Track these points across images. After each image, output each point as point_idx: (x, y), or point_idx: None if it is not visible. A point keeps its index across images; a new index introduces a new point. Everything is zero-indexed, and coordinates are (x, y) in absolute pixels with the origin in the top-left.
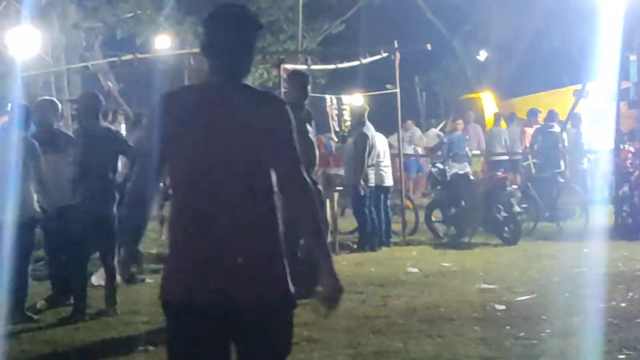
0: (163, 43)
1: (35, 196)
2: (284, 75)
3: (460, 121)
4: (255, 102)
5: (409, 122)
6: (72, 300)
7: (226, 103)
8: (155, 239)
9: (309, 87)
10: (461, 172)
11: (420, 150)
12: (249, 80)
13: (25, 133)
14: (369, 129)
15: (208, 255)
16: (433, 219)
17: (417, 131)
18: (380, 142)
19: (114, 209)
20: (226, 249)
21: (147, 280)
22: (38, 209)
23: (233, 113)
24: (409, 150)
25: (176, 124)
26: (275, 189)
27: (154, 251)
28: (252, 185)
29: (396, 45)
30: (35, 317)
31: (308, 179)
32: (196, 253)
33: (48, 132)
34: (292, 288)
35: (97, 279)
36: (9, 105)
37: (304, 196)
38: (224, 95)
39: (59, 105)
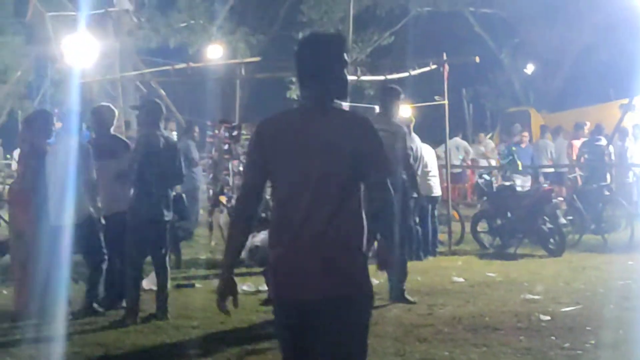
0: (215, 52)
1: (86, 200)
2: None
3: (525, 133)
4: (346, 125)
5: (482, 134)
6: (124, 304)
7: (320, 127)
8: (205, 244)
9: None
10: (522, 185)
11: (493, 162)
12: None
13: (80, 138)
14: (414, 140)
15: (307, 257)
16: (479, 229)
17: (490, 143)
18: (427, 153)
19: (168, 215)
20: (323, 251)
21: (197, 285)
22: (94, 211)
23: (327, 135)
24: (482, 162)
25: (277, 147)
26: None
27: (203, 257)
28: (345, 196)
29: (445, 57)
30: (101, 309)
31: (390, 188)
32: (300, 257)
33: (105, 137)
34: (372, 286)
35: (149, 283)
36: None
37: (387, 201)
38: (318, 120)
39: (116, 112)
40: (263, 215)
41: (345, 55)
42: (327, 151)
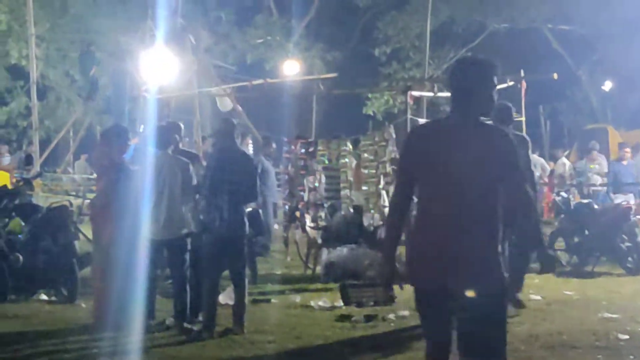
0: (291, 69)
1: (189, 214)
2: (411, 101)
3: (628, 149)
4: (489, 136)
5: (595, 152)
6: (200, 318)
7: (468, 137)
8: (281, 260)
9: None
10: (624, 203)
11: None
12: (375, 106)
13: (169, 152)
14: None
15: (454, 250)
16: (556, 247)
17: (604, 161)
18: None
19: (246, 230)
20: (466, 248)
21: (273, 300)
22: (190, 225)
23: (474, 144)
24: (594, 179)
25: (428, 152)
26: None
27: (279, 272)
28: (486, 199)
29: (522, 74)
30: (195, 328)
31: (529, 191)
32: (443, 249)
33: (175, 152)
34: (505, 280)
35: (225, 297)
36: (141, 127)
37: (526, 204)
38: (466, 131)
39: (182, 127)
40: (346, 232)
41: (495, 78)
42: (473, 158)
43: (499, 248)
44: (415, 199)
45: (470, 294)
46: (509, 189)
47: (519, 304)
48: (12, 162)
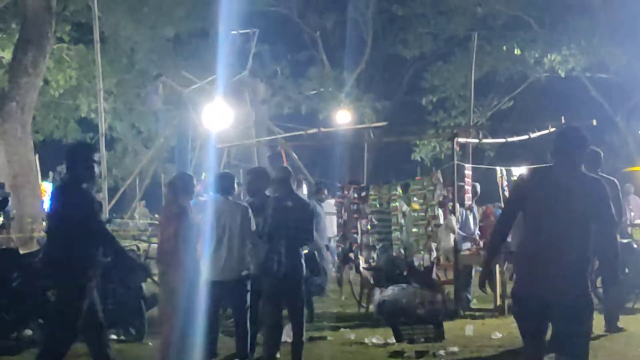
0: (343, 118)
1: (248, 257)
2: (457, 147)
3: None
4: (587, 183)
5: (631, 194)
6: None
7: (570, 183)
8: (335, 299)
9: None
10: None
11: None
12: (423, 152)
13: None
14: None
15: (553, 271)
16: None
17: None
18: None
19: (303, 271)
20: (563, 269)
21: (329, 337)
22: (249, 268)
23: (575, 189)
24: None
25: (536, 193)
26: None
27: (334, 311)
28: (581, 234)
29: (563, 120)
30: None
31: (615, 233)
32: (545, 270)
33: (259, 196)
34: (590, 296)
35: (284, 335)
36: (204, 174)
37: (612, 243)
38: (569, 178)
39: (234, 178)
40: (397, 272)
41: (588, 141)
42: (574, 201)
43: (588, 273)
44: (523, 230)
45: (566, 305)
46: (598, 227)
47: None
48: None
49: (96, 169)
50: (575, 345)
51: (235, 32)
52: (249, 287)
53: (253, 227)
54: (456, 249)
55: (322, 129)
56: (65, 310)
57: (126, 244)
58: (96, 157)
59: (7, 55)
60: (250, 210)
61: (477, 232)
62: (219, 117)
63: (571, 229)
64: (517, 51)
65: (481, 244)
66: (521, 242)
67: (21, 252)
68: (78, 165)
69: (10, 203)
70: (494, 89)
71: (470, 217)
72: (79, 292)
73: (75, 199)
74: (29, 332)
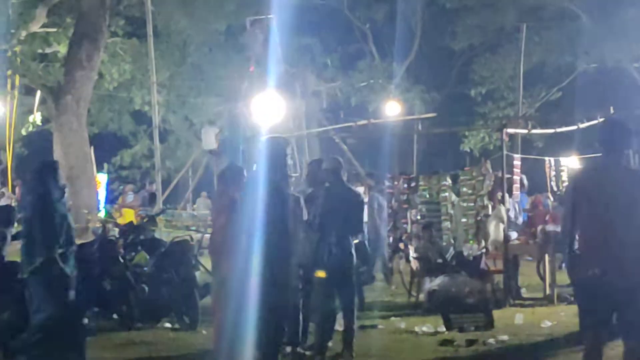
0: (393, 109)
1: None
2: (506, 138)
3: None
4: (631, 177)
5: None
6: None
7: (616, 174)
8: (385, 288)
9: None
10: None
11: None
12: (472, 143)
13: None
14: None
15: (615, 258)
16: None
17: None
18: None
19: (353, 261)
20: (625, 255)
21: (380, 326)
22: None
23: (619, 180)
24: None
25: (588, 186)
26: None
27: (385, 300)
28: (628, 224)
29: (612, 110)
30: (307, 353)
31: None
32: (607, 257)
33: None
34: None
35: (335, 323)
36: (254, 166)
37: None
38: (613, 169)
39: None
40: (439, 260)
41: (631, 132)
42: (621, 191)
43: None
44: (581, 222)
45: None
46: None
47: None
48: (136, 200)
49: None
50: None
51: (250, 18)
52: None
53: (304, 217)
54: (505, 239)
55: (372, 121)
56: None
57: (179, 234)
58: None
59: (63, 49)
60: (302, 201)
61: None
62: (269, 108)
63: (623, 218)
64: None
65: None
66: (581, 233)
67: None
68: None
69: (66, 194)
70: (542, 80)
71: (517, 207)
72: None
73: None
74: (85, 320)
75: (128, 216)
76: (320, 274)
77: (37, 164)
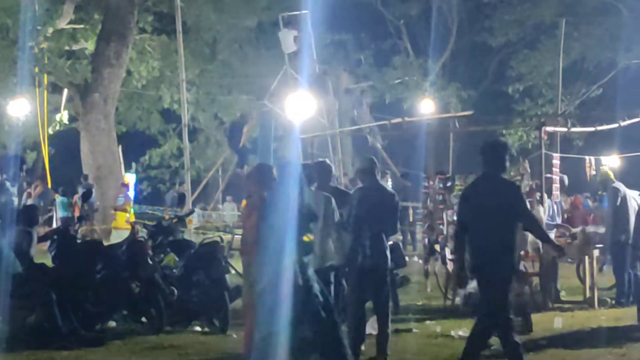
0: (428, 107)
1: (332, 247)
2: (545, 137)
3: None
4: (504, 188)
5: None
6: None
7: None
8: (420, 291)
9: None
10: None
11: None
12: (509, 142)
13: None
14: (620, 185)
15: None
16: None
17: None
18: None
19: (388, 263)
20: (489, 260)
21: (414, 330)
22: (333, 258)
23: (497, 196)
24: None
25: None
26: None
27: (420, 303)
28: (505, 232)
29: None
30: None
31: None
32: (478, 262)
33: (325, 190)
34: None
35: (369, 327)
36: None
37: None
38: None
39: (332, 166)
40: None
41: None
42: (498, 206)
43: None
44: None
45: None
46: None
47: None
48: (126, 203)
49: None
50: None
51: (283, 14)
52: (332, 278)
53: (337, 217)
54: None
55: (407, 119)
56: None
57: (209, 235)
58: None
59: (90, 46)
60: (333, 200)
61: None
62: (301, 107)
63: (501, 231)
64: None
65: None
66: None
67: (104, 243)
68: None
69: (94, 194)
70: (582, 77)
71: (555, 208)
72: None
73: None
74: (113, 323)
75: (120, 219)
76: (306, 238)
77: None
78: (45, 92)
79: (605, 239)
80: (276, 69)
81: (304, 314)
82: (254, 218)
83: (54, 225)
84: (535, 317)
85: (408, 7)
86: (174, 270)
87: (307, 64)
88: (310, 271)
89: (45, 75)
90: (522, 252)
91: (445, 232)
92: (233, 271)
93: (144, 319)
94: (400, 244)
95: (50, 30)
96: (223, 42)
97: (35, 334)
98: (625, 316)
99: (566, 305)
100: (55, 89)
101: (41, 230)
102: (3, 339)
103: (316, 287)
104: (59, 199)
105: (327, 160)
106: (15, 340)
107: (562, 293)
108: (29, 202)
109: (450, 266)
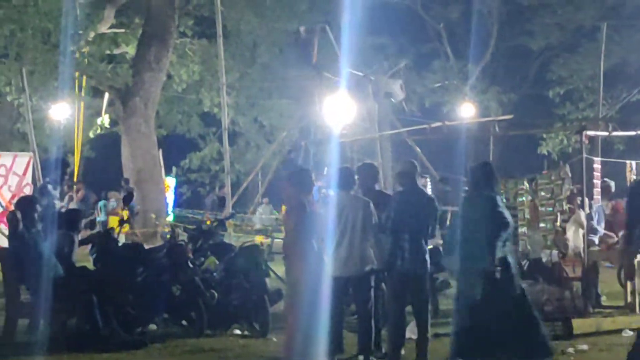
0: (468, 111)
1: (371, 251)
2: (586, 141)
3: None
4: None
5: None
6: (384, 351)
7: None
8: None
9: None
10: None
11: None
12: (550, 146)
13: (354, 193)
14: None
15: None
16: None
17: None
18: None
19: (428, 267)
20: None
21: None
22: (373, 263)
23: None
24: None
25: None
26: None
27: None
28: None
29: None
30: None
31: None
32: None
33: (369, 193)
34: None
35: (408, 332)
36: (325, 169)
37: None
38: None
39: (378, 169)
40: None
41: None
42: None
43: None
44: None
45: None
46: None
47: None
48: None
49: None
50: None
51: (302, 27)
52: (372, 283)
53: (374, 221)
54: (585, 245)
55: (447, 122)
56: None
57: (249, 239)
58: None
59: (131, 50)
60: (371, 204)
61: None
62: (341, 111)
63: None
64: None
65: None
66: None
67: (145, 247)
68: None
69: (134, 198)
70: (623, 80)
71: (598, 212)
72: None
73: None
74: (153, 327)
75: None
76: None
77: None
78: (83, 94)
79: None
80: (315, 75)
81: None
82: (292, 222)
83: (96, 229)
84: (575, 322)
85: (448, 10)
86: (214, 274)
87: (344, 69)
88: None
89: (85, 79)
90: (562, 256)
91: None
92: (273, 275)
93: (184, 322)
94: (440, 248)
95: (92, 34)
96: (263, 46)
97: (76, 337)
98: None
99: (607, 310)
100: (96, 93)
101: (83, 233)
102: (45, 342)
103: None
104: (100, 202)
105: (375, 163)
106: (57, 343)
107: (603, 298)
108: (71, 205)
109: None
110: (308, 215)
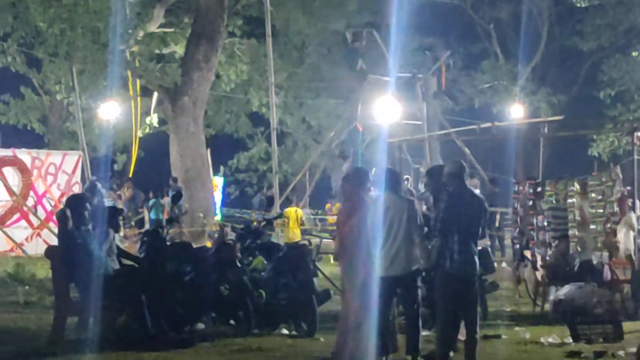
0: (517, 112)
1: (417, 251)
2: (637, 142)
3: None
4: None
5: None
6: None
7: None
8: (509, 297)
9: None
10: None
11: None
12: (600, 147)
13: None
14: None
15: None
16: None
17: None
18: None
19: (477, 268)
20: None
21: (503, 336)
22: (419, 263)
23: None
24: None
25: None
26: None
27: (508, 309)
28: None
29: None
30: None
31: None
32: None
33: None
34: None
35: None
36: (373, 170)
37: None
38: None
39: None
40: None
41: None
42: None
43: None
44: None
45: None
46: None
47: None
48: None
49: None
50: None
51: (349, 33)
52: (419, 283)
53: (420, 221)
54: (635, 247)
55: (496, 123)
56: None
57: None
58: None
59: (180, 50)
60: (416, 204)
61: None
62: (389, 111)
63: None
64: None
65: None
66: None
67: (193, 246)
68: None
69: (183, 197)
70: None
71: None
72: None
73: None
74: (201, 326)
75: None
76: None
77: None
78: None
79: None
80: (363, 75)
81: None
82: (352, 222)
83: (145, 227)
84: (626, 325)
85: (498, 10)
86: (262, 273)
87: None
88: None
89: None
90: (613, 259)
91: (535, 238)
92: (321, 274)
93: (232, 322)
94: (489, 250)
95: (141, 33)
96: (312, 46)
97: (125, 335)
98: None
99: None
100: (145, 92)
101: (129, 232)
102: (93, 340)
103: None
104: (151, 201)
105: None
106: (105, 341)
107: None
108: (119, 204)
109: (540, 272)
110: (366, 215)
